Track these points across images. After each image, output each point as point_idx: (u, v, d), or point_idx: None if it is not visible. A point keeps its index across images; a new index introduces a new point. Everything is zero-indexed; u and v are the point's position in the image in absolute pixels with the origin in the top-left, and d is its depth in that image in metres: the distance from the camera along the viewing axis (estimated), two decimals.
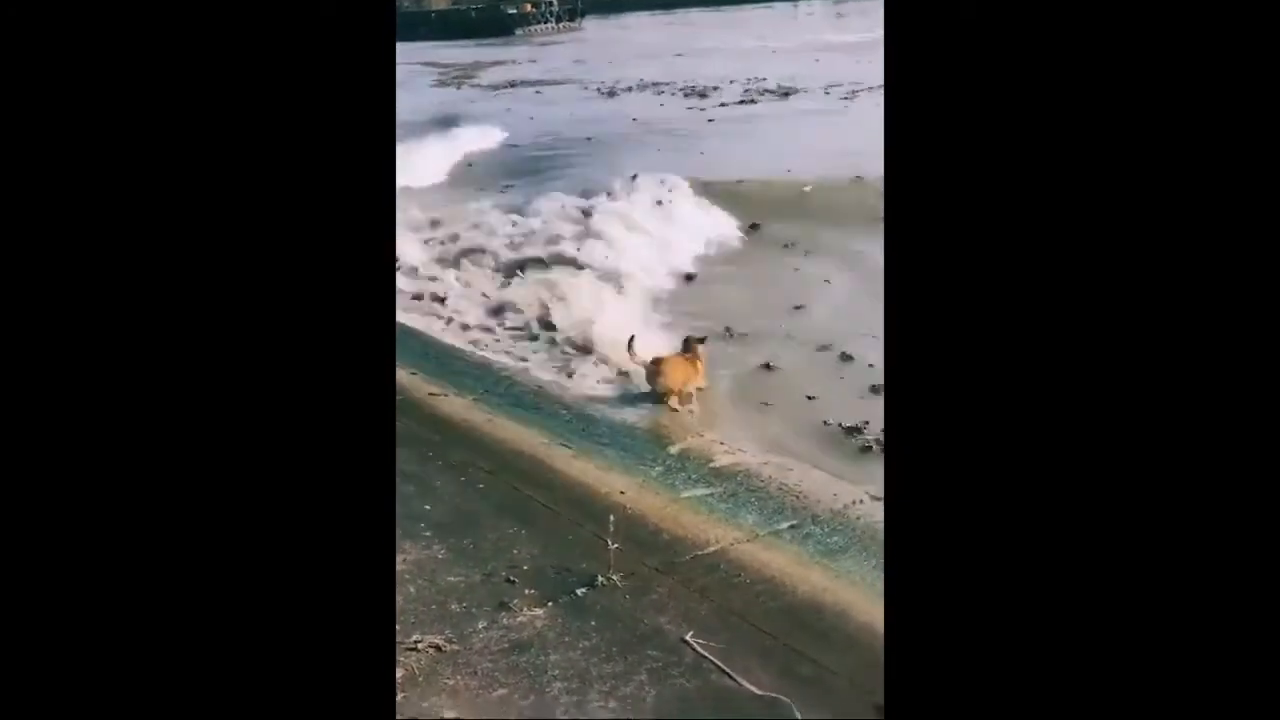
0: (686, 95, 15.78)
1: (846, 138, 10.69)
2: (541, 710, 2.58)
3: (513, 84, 18.61)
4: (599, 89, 17.22)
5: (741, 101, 14.84)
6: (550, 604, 3.11)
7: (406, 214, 8.87)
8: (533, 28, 30.70)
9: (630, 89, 16.98)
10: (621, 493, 4.00)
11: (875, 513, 3.97)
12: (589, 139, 12.49)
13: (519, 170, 11.48)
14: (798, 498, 4.10)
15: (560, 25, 31.66)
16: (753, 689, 2.72)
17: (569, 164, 11.39)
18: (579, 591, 3.17)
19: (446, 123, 13.73)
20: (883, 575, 3.49)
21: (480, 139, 12.99)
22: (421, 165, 11.22)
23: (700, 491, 4.14)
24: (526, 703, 2.60)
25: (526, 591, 3.17)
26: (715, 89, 16.09)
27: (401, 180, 10.76)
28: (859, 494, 4.09)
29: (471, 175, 11.56)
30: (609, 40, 23.03)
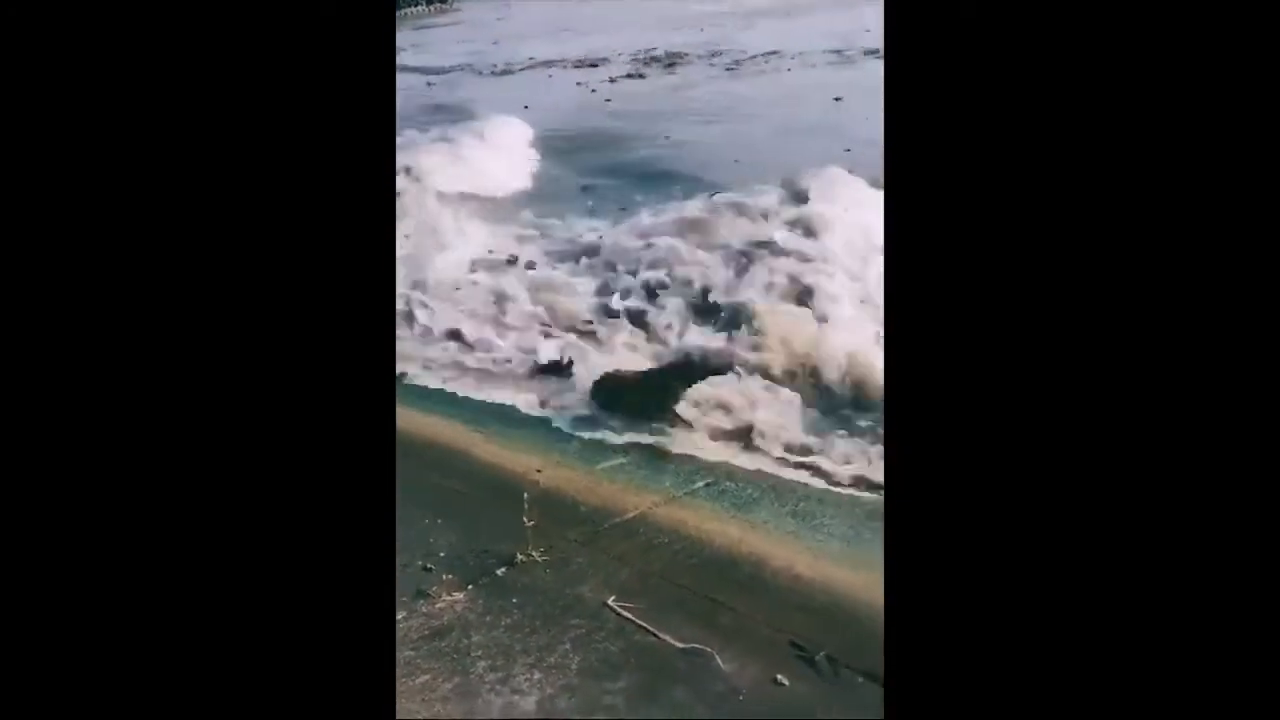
0: (578, 67, 15.64)
1: None
2: (467, 690, 2.58)
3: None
4: (492, 70, 16.83)
5: (629, 75, 14.82)
6: (470, 587, 3.10)
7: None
8: (403, 11, 29.43)
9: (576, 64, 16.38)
10: (538, 470, 4.00)
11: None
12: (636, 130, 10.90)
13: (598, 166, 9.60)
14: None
15: (432, 7, 30.52)
16: (676, 643, 2.79)
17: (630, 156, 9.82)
18: (499, 572, 3.18)
19: (452, 114, 11.92)
20: (794, 520, 3.68)
21: (508, 131, 10.76)
22: (492, 165, 9.29)
23: (616, 461, 4.18)
24: (450, 685, 2.60)
25: (445, 577, 3.15)
26: (606, 61, 15.99)
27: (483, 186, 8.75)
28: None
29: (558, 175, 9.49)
30: (491, 21, 22.58)
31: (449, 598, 3.03)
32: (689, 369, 4.56)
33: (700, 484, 3.91)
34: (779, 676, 2.65)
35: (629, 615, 2.92)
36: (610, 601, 2.99)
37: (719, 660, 2.71)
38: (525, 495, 3.36)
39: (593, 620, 2.90)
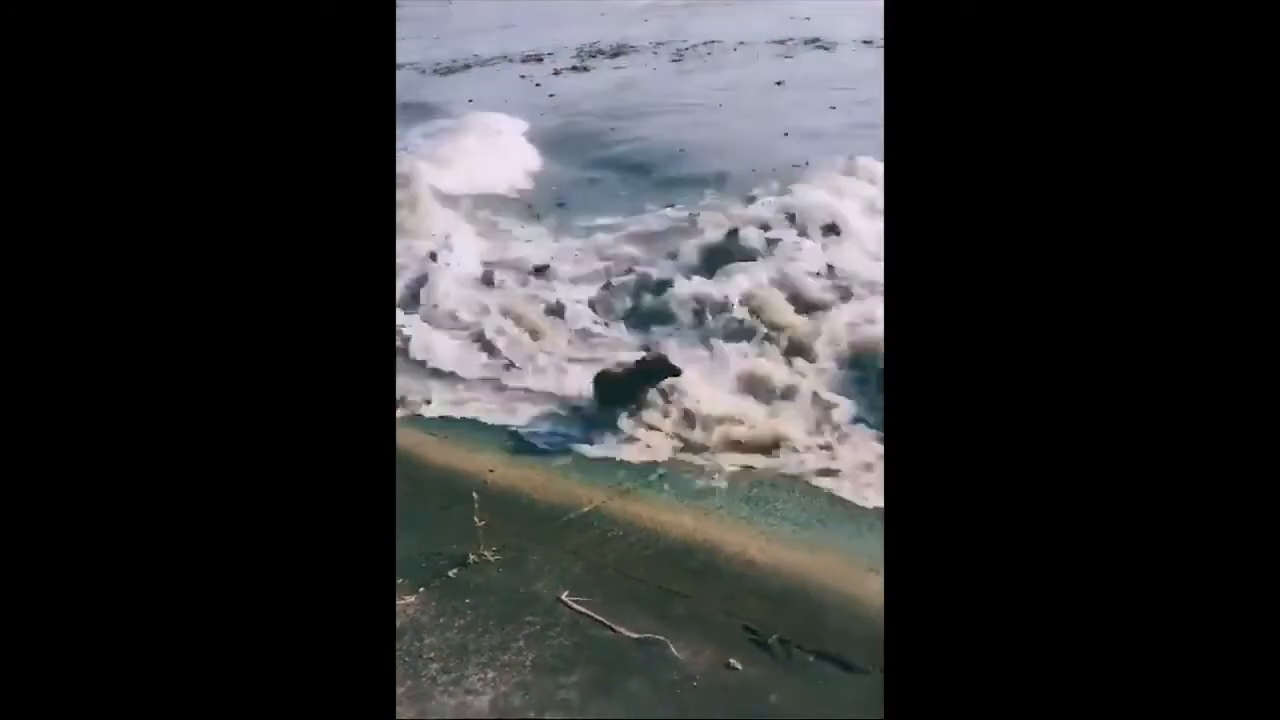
0: (524, 62, 15.48)
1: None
2: (419, 693, 2.56)
3: None
4: (436, 68, 16.55)
5: (574, 68, 14.75)
6: (422, 590, 3.07)
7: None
8: None
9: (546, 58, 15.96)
10: (490, 470, 3.97)
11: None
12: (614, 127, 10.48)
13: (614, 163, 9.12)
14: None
15: None
16: (630, 634, 2.80)
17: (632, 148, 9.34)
18: (451, 573, 3.15)
19: (420, 112, 11.27)
20: (748, 506, 3.71)
21: (503, 127, 10.12)
22: (489, 165, 8.81)
23: (569, 459, 4.16)
24: (403, 689, 2.57)
25: (396, 582, 3.11)
26: (551, 54, 15.84)
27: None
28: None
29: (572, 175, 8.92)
30: (433, 17, 22.23)
31: (401, 601, 3.00)
32: (659, 368, 4.50)
33: (655, 475, 3.91)
34: (732, 661, 2.68)
35: (583, 610, 2.92)
36: (564, 596, 2.99)
37: (673, 649, 2.73)
38: (475, 495, 3.33)
39: (547, 616, 2.90)
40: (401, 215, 7.17)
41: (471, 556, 3.20)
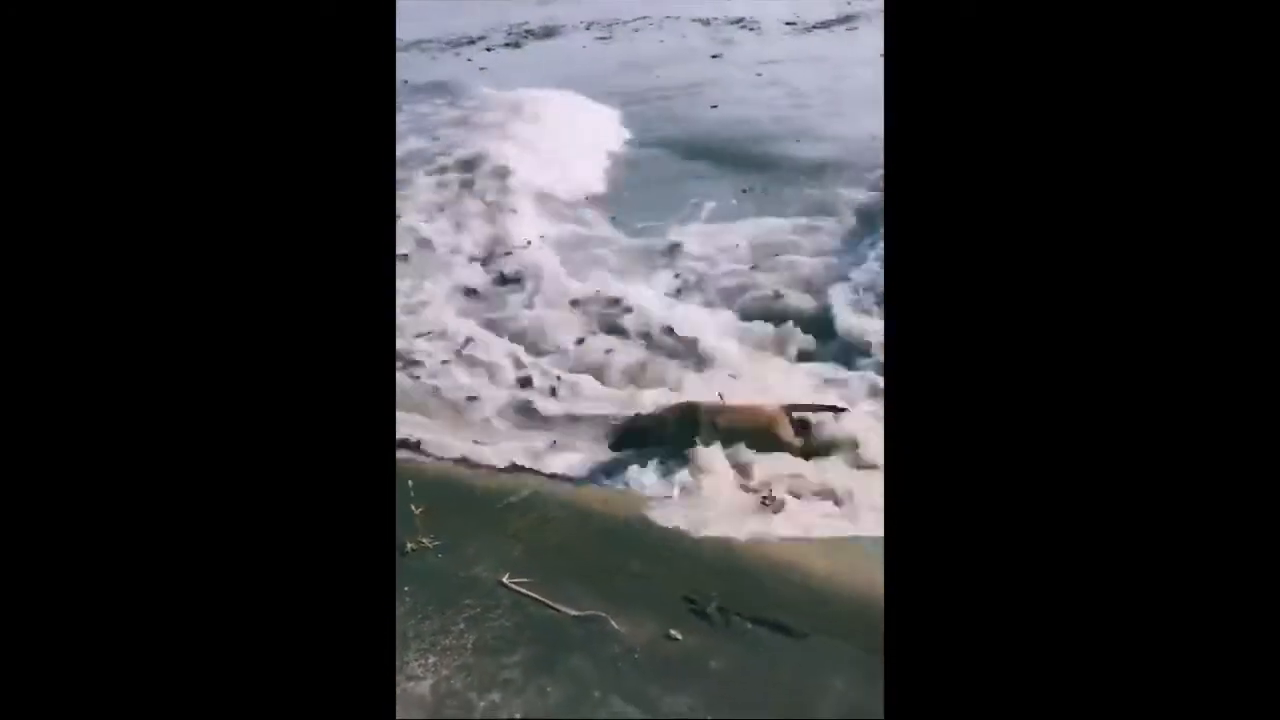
0: (453, 45, 15.16)
1: None
2: None
3: None
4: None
5: (506, 44, 14.52)
6: None
7: None
8: None
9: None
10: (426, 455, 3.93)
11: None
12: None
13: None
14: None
15: None
16: (571, 612, 2.82)
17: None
18: None
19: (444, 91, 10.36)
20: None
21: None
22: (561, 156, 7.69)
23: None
24: None
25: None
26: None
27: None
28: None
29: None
30: None
31: None
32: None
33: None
34: (672, 631, 2.73)
35: (524, 591, 2.93)
36: (505, 579, 2.99)
37: (614, 624, 2.76)
38: (410, 482, 3.28)
39: (488, 599, 2.90)
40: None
41: (409, 544, 3.17)
